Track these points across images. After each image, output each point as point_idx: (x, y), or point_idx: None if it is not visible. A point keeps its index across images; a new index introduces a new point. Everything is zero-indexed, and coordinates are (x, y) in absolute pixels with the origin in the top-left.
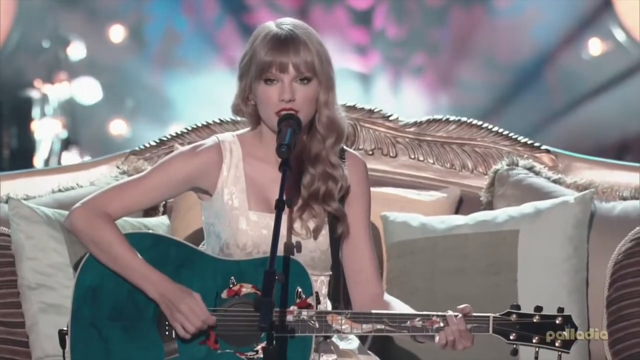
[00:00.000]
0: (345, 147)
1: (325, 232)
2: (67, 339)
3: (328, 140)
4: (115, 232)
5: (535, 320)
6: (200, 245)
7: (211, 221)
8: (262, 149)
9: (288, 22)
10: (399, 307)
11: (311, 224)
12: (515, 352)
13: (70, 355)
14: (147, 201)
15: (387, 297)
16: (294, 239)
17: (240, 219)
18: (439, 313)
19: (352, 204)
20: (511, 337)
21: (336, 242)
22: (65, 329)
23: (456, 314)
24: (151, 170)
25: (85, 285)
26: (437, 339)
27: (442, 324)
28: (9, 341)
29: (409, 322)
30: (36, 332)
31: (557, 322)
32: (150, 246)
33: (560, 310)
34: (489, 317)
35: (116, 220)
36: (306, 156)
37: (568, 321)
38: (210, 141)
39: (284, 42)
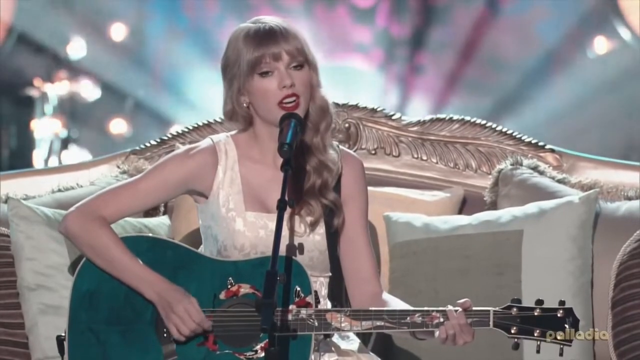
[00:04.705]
0: (342, 146)
1: (322, 231)
2: (65, 344)
3: (322, 125)
4: (111, 235)
5: (536, 314)
6: (200, 248)
7: (208, 224)
8: (257, 150)
9: (265, 18)
10: (399, 305)
11: (308, 219)
12: (516, 346)
13: None
14: (142, 205)
15: (386, 295)
16: (296, 240)
17: (237, 220)
18: (439, 308)
19: (349, 203)
20: (512, 331)
21: (335, 242)
22: (62, 334)
23: (456, 308)
24: (146, 173)
25: (82, 290)
26: (437, 334)
27: (442, 319)
28: (8, 342)
29: (408, 318)
30: (36, 333)
31: (559, 315)
32: (146, 249)
33: (562, 303)
34: (489, 311)
35: (111, 224)
36: (300, 150)
37: (569, 314)
38: (204, 143)
39: (270, 33)
